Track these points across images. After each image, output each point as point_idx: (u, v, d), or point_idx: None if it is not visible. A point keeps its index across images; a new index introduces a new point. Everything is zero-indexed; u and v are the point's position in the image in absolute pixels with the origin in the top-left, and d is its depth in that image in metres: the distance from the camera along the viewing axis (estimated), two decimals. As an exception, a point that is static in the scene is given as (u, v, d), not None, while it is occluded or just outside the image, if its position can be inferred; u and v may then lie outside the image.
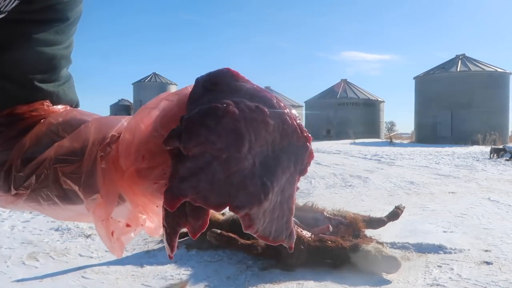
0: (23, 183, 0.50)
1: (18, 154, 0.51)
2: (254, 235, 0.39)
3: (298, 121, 0.40)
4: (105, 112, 52.49)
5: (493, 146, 14.87)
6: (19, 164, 0.51)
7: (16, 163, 0.51)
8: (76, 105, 0.63)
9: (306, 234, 3.28)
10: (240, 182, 0.36)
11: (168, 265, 3.37)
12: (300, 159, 0.39)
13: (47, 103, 0.56)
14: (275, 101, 0.40)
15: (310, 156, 0.41)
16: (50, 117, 0.54)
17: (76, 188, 0.47)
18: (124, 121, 0.49)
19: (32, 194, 0.51)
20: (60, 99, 0.58)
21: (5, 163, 0.52)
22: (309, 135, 0.40)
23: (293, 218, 0.42)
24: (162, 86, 47.03)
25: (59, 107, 0.57)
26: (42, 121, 0.54)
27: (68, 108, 0.58)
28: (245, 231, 0.38)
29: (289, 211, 0.41)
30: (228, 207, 0.36)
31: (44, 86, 0.56)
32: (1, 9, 0.46)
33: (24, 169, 0.50)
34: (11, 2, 0.46)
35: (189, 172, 0.36)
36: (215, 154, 0.36)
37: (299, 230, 3.31)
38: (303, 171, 0.40)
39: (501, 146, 14.52)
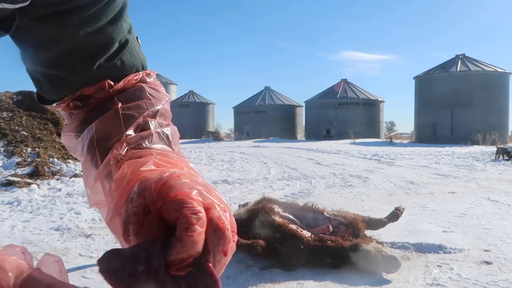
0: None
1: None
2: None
3: None
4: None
5: (498, 146, 14.78)
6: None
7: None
8: (142, 67, 0.63)
9: (306, 234, 3.28)
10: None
11: (168, 265, 3.36)
12: None
13: (108, 82, 0.58)
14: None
15: None
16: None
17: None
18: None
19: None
20: (119, 69, 0.60)
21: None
22: None
23: None
24: (162, 86, 46.66)
25: (120, 83, 0.59)
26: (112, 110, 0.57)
27: (129, 79, 0.60)
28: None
29: None
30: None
31: (99, 64, 0.58)
32: None
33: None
34: None
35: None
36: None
37: (299, 230, 3.31)
38: None
39: (506, 146, 14.37)
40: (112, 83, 0.59)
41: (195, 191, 0.40)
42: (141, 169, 0.46)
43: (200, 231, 0.37)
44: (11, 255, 0.34)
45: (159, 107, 0.59)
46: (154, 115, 0.57)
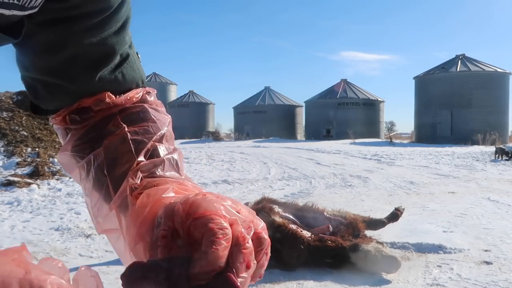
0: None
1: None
2: None
3: None
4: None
5: (497, 146, 14.78)
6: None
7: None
8: (142, 82, 0.63)
9: (306, 234, 3.29)
10: None
11: (168, 265, 3.36)
12: None
13: (108, 94, 0.58)
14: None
15: None
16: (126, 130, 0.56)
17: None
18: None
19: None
20: (120, 83, 0.59)
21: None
22: None
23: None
24: (162, 86, 46.90)
25: (122, 98, 0.58)
26: (118, 133, 0.56)
27: (131, 96, 0.59)
28: None
29: None
30: None
31: (101, 75, 0.57)
32: (26, 5, 0.45)
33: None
34: None
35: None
36: None
37: (299, 230, 3.31)
38: None
39: (504, 147, 14.37)
40: (112, 96, 0.58)
41: (221, 207, 0.41)
42: (163, 195, 0.47)
43: (225, 246, 0.38)
44: (49, 270, 0.34)
45: (164, 130, 0.58)
46: (161, 139, 0.57)
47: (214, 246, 0.37)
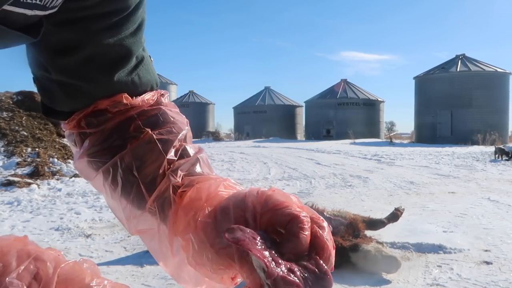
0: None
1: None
2: None
3: None
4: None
5: (496, 146, 14.80)
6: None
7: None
8: (156, 85, 0.63)
9: (306, 234, 3.29)
10: None
11: (168, 265, 3.36)
12: None
13: (125, 95, 0.58)
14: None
15: None
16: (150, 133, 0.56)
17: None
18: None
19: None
20: (136, 85, 0.59)
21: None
22: None
23: None
24: (162, 86, 45.64)
25: (138, 99, 0.58)
26: (142, 137, 0.55)
27: (148, 98, 0.59)
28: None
29: None
30: None
31: (117, 77, 0.57)
32: (47, 5, 0.45)
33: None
34: None
35: None
36: None
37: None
38: None
39: (503, 147, 14.39)
40: (129, 97, 0.58)
41: (295, 199, 0.44)
42: (218, 189, 0.49)
43: (309, 232, 0.42)
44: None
45: (185, 130, 0.59)
46: (185, 139, 0.58)
47: (302, 232, 0.41)
